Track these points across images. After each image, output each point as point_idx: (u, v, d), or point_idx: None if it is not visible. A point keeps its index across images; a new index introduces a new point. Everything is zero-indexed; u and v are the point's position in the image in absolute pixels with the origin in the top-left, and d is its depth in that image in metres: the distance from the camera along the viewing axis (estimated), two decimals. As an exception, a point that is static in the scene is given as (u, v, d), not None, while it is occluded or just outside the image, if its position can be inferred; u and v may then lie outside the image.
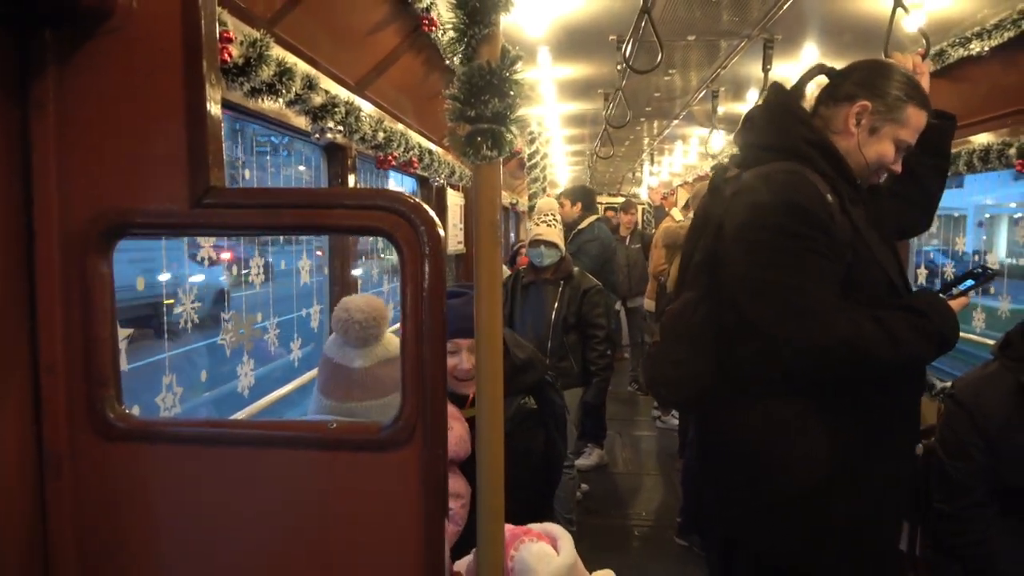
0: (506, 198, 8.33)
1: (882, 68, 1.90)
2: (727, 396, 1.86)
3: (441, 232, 1.08)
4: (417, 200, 1.08)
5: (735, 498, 1.90)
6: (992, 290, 3.49)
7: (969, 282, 2.03)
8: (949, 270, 3.90)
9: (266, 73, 1.61)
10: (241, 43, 1.54)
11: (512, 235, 9.50)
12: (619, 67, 3.28)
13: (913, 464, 1.96)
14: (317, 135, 2.11)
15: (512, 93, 1.03)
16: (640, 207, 12.62)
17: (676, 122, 6.75)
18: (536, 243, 3.98)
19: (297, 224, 1.11)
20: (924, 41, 2.65)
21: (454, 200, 5.40)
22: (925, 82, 1.95)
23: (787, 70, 4.09)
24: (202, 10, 1.09)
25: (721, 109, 5.90)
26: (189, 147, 1.10)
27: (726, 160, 2.12)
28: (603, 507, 4.88)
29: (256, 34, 1.62)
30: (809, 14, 3.35)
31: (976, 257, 4.28)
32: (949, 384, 2.49)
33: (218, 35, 1.34)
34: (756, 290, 1.73)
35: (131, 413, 1.20)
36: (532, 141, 6.46)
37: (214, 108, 1.11)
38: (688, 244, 2.05)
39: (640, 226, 8.20)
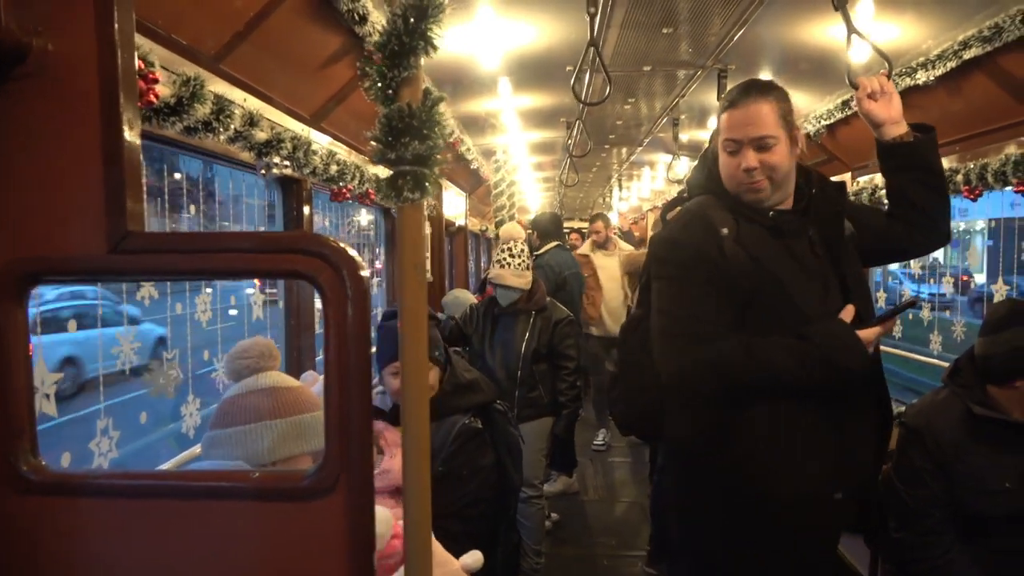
0: (476, 225, 8.34)
1: (777, 92, 1.93)
2: (670, 412, 1.99)
3: (365, 274, 1.06)
4: (340, 243, 1.07)
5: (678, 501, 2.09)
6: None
7: (890, 310, 2.08)
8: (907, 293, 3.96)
9: (202, 111, 1.59)
10: (174, 82, 1.52)
11: (484, 261, 9.51)
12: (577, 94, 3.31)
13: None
14: (263, 170, 2.09)
15: (434, 135, 1.03)
16: (613, 232, 12.72)
17: (640, 149, 6.83)
18: (495, 286, 3.97)
19: (218, 269, 1.09)
20: (887, 64, 2.67)
21: (420, 229, 5.39)
22: (895, 101, 1.93)
23: (743, 99, 4.16)
24: (119, 52, 1.07)
25: (685, 136, 5.99)
26: (106, 192, 1.07)
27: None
28: (573, 536, 4.83)
29: (191, 73, 1.60)
30: (761, 44, 3.41)
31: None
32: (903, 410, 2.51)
33: (145, 75, 1.32)
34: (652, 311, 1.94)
35: (47, 465, 1.15)
36: (498, 169, 6.48)
37: (132, 151, 1.09)
38: (641, 274, 2.22)
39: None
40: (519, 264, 3.91)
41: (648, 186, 10.04)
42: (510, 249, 3.92)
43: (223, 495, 1.11)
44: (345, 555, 1.07)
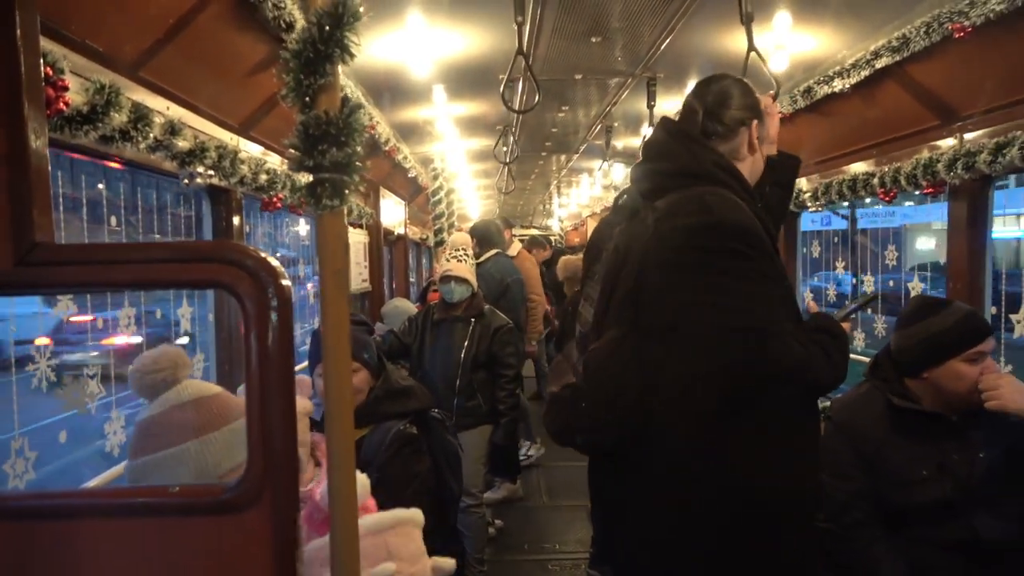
0: (417, 233, 8.30)
1: (744, 86, 1.94)
2: (659, 428, 1.74)
3: (286, 283, 1.05)
4: (262, 253, 1.05)
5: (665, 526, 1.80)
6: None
7: (853, 306, 2.17)
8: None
9: (118, 120, 1.54)
10: (87, 90, 1.48)
11: (425, 270, 9.46)
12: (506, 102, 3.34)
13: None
14: (186, 180, 2.04)
15: (352, 142, 1.02)
16: (553, 238, 12.83)
17: (577, 156, 6.92)
18: (447, 279, 3.95)
19: (132, 280, 1.06)
20: (775, 85, 2.78)
21: (356, 238, 5.34)
22: (776, 121, 2.03)
23: (673, 106, 4.27)
24: (22, 56, 1.03)
25: (619, 144, 6.10)
26: (11, 202, 1.03)
27: (623, 193, 2.05)
28: (518, 543, 4.83)
29: (106, 80, 1.56)
30: (688, 53, 3.51)
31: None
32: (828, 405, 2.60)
33: (53, 82, 1.28)
34: (703, 314, 1.66)
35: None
36: (436, 177, 6.47)
37: (39, 160, 1.05)
38: (608, 280, 1.90)
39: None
40: (470, 265, 4.00)
41: (587, 192, 10.17)
42: (463, 250, 4.04)
43: (143, 512, 1.08)
44: (271, 568, 1.05)
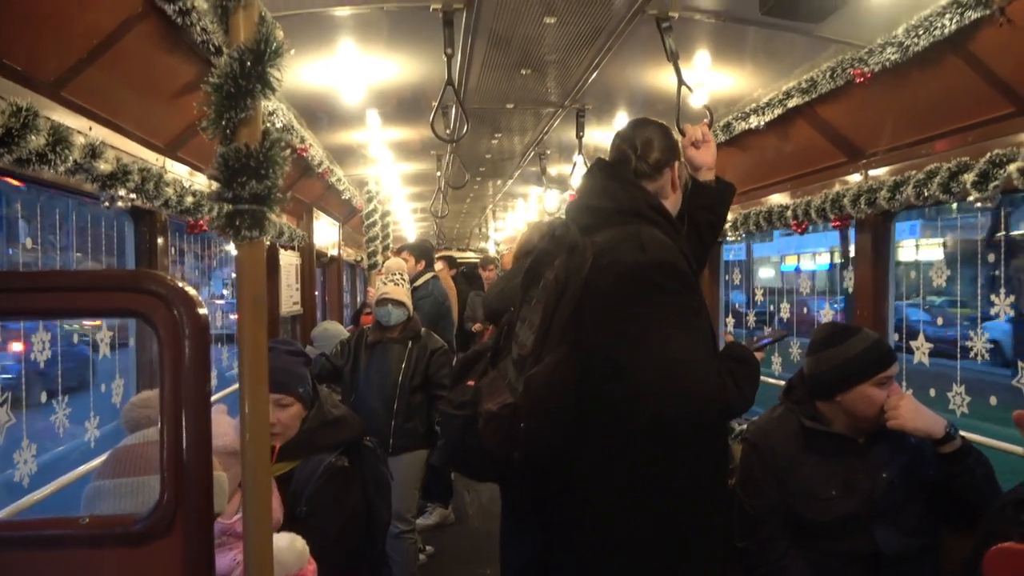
0: (351, 255, 8.23)
1: (665, 130, 2.11)
2: (592, 443, 1.90)
3: (202, 312, 1.06)
4: (177, 281, 1.06)
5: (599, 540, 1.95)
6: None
7: (767, 340, 2.30)
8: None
9: (36, 142, 1.52)
10: (2, 112, 1.45)
11: (360, 291, 9.37)
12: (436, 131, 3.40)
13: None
14: (107, 203, 2.01)
15: (272, 174, 1.05)
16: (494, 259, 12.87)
17: (512, 181, 7.01)
18: (384, 302, 3.94)
19: (40, 309, 1.05)
20: (708, 114, 2.97)
21: (288, 260, 5.28)
22: (712, 148, 2.22)
23: (601, 135, 4.40)
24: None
25: (554, 171, 6.22)
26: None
27: (557, 220, 2.27)
28: (448, 566, 4.81)
29: (24, 101, 1.53)
30: (614, 86, 3.63)
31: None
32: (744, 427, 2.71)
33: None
34: (635, 344, 1.82)
35: None
36: (370, 199, 6.46)
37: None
38: (547, 309, 2.00)
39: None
40: (406, 289, 4.02)
41: (523, 216, 10.29)
42: (400, 274, 4.04)
43: (52, 544, 1.07)
44: (182, 600, 1.04)
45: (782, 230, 3.72)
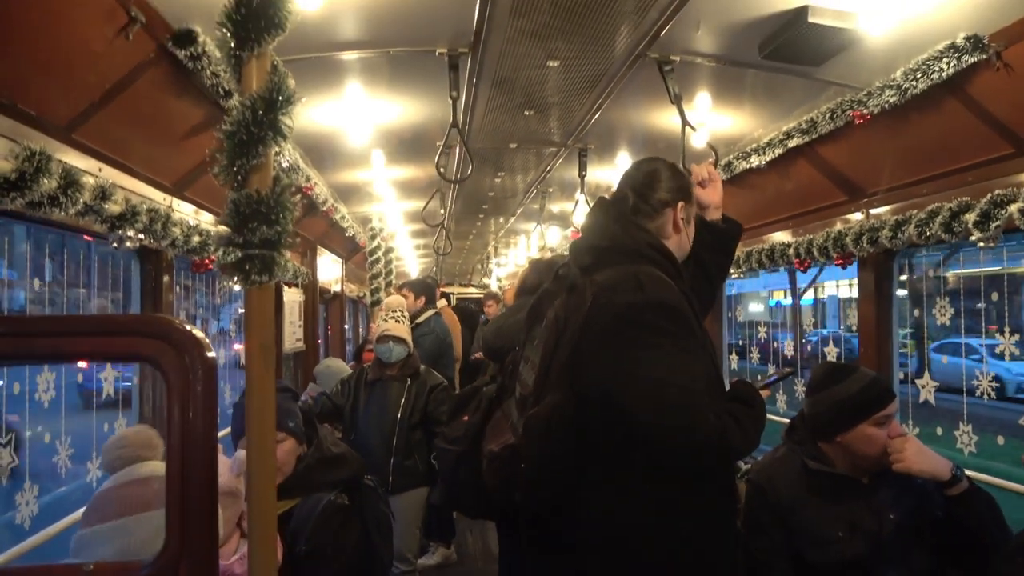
0: (354, 291, 8.26)
1: (674, 168, 2.10)
2: (594, 485, 1.86)
3: (211, 355, 1.07)
4: (187, 325, 1.07)
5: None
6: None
7: (773, 377, 2.29)
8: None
9: (47, 186, 1.54)
10: (16, 156, 1.48)
11: (362, 327, 9.37)
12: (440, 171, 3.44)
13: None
14: (115, 243, 2.03)
15: (282, 220, 1.06)
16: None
17: (514, 218, 7.06)
18: (384, 339, 3.95)
19: (50, 353, 1.06)
20: (713, 153, 3.01)
21: (292, 297, 5.29)
22: (718, 187, 2.22)
23: (604, 174, 4.44)
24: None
25: (556, 208, 6.27)
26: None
27: (558, 257, 2.24)
28: (450, 610, 4.73)
29: (37, 145, 1.56)
30: (616, 127, 3.68)
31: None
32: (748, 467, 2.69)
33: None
34: (631, 384, 1.78)
35: None
36: (373, 237, 6.50)
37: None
38: (547, 349, 2.01)
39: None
40: (407, 326, 4.04)
41: (524, 253, 10.33)
42: (400, 311, 4.06)
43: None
44: (186, 648, 1.03)
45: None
